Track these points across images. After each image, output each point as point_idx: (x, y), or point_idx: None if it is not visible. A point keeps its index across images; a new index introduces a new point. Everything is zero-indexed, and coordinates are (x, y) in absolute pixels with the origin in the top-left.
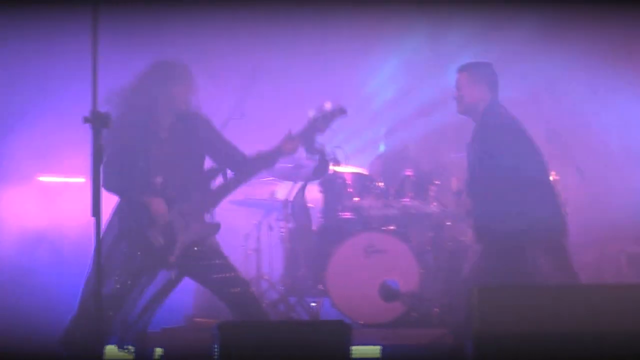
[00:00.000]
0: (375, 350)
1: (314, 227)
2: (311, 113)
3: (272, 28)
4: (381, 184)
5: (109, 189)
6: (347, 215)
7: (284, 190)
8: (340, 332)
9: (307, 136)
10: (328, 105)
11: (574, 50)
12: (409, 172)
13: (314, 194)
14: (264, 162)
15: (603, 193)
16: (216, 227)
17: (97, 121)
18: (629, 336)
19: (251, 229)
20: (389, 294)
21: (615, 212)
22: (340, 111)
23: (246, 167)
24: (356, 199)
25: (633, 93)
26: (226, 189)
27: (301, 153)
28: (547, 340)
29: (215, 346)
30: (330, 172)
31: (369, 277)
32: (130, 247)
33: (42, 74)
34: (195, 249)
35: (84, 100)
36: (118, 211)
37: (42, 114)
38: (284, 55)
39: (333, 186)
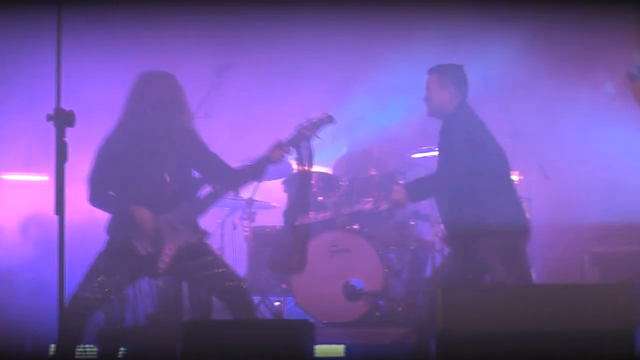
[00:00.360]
0: (339, 349)
1: (278, 226)
2: (299, 121)
3: (239, 27)
4: (345, 184)
5: (97, 204)
6: (312, 214)
7: (248, 189)
8: (304, 331)
9: (295, 144)
10: (316, 114)
11: (538, 51)
12: (373, 172)
13: (278, 193)
14: (251, 173)
15: (567, 193)
16: (204, 234)
17: (60, 119)
18: (592, 335)
19: (215, 227)
20: (352, 293)
21: (579, 211)
22: (328, 119)
23: (233, 179)
24: (320, 198)
25: (596, 94)
26: (214, 198)
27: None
28: (510, 339)
29: (179, 345)
30: (295, 171)
31: (332, 276)
32: (116, 255)
33: (6, 72)
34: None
35: (49, 98)
36: (108, 224)
37: (4, 112)
38: (250, 55)
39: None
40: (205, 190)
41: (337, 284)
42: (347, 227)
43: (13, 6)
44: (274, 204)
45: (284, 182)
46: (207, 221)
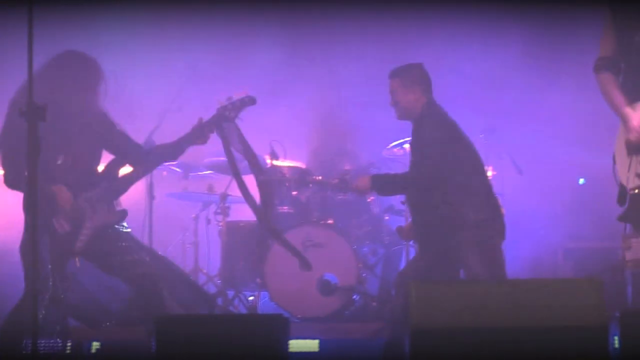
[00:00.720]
0: (313, 344)
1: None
2: (220, 102)
3: (213, 22)
4: (319, 178)
5: (12, 185)
6: (285, 209)
7: (221, 184)
8: (278, 326)
9: (217, 124)
10: (237, 94)
11: (511, 47)
12: (347, 167)
13: (252, 187)
14: (170, 151)
15: (540, 189)
16: (123, 214)
17: (33, 114)
18: (565, 330)
19: (189, 222)
20: (326, 287)
21: (552, 207)
22: (249, 100)
23: (148, 159)
24: (294, 192)
25: (570, 88)
26: (133, 178)
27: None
28: (483, 334)
29: (153, 340)
30: (269, 165)
31: (306, 270)
32: (39, 237)
33: None
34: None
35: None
36: (25, 206)
37: None
38: (223, 50)
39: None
40: (125, 170)
41: (311, 279)
42: (322, 222)
43: None
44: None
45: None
46: (182, 216)
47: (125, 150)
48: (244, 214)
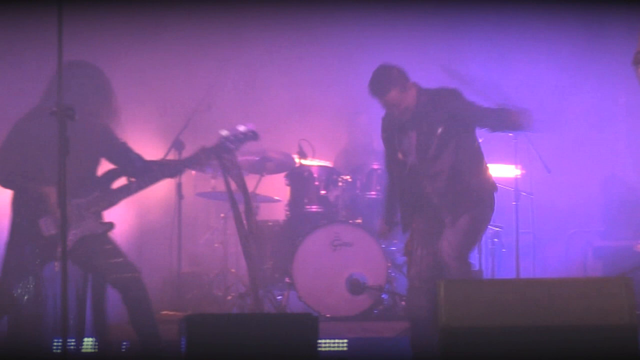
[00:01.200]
0: (342, 343)
1: (281, 220)
2: (224, 132)
3: (241, 21)
4: (348, 177)
5: (3, 183)
6: (314, 208)
7: (250, 183)
8: (307, 325)
9: (217, 154)
10: (241, 128)
11: (540, 43)
12: (375, 166)
13: (281, 186)
14: (168, 170)
15: (569, 187)
16: (109, 226)
17: (62, 114)
18: (595, 329)
19: (218, 221)
20: (355, 287)
21: (581, 206)
22: (252, 135)
23: (147, 174)
24: (323, 192)
25: (600, 87)
26: (126, 191)
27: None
28: (513, 333)
29: (183, 339)
30: (297, 165)
31: (335, 270)
32: (23, 238)
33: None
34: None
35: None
36: (13, 205)
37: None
38: (254, 50)
39: (300, 179)
40: (119, 183)
41: (340, 278)
42: (350, 221)
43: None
44: (276, 197)
45: (287, 176)
46: (210, 215)
47: (125, 160)
48: (273, 213)
